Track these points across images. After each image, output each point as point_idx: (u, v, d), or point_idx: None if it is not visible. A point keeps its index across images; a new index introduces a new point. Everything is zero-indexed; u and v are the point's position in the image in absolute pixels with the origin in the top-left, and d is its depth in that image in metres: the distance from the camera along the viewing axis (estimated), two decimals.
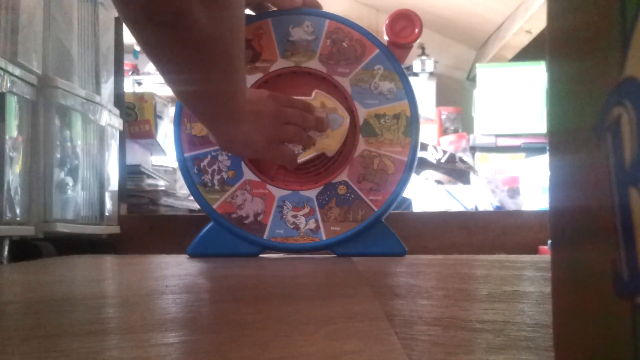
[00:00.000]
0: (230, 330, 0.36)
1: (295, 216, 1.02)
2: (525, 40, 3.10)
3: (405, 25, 1.02)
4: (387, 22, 1.02)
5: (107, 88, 1.36)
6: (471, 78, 3.84)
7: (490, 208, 1.72)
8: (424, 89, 3.63)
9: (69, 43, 1.18)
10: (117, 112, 1.38)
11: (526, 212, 1.64)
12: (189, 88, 0.82)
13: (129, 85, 3.34)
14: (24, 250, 1.04)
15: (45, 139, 1.08)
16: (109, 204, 1.33)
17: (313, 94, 1.01)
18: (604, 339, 0.19)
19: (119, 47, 1.47)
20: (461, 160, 2.12)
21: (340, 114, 1.01)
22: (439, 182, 2.01)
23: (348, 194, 1.02)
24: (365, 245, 1.03)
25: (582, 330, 0.21)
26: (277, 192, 1.02)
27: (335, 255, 1.04)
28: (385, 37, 1.03)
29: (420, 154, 1.05)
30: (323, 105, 1.01)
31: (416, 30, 1.02)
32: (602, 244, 0.19)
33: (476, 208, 1.76)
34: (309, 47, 1.03)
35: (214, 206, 1.02)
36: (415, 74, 3.72)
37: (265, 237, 1.02)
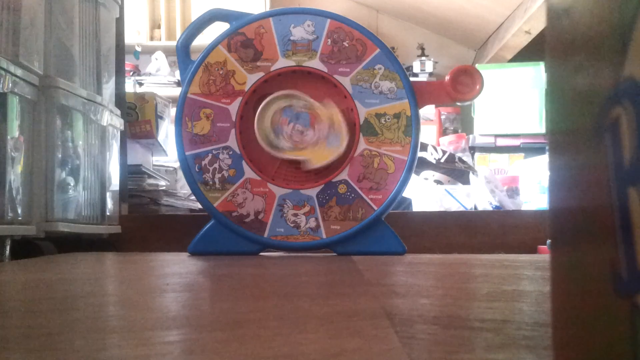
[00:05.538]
0: (231, 329, 0.36)
1: (295, 215, 1.02)
2: (524, 40, 3.10)
3: (467, 82, 1.03)
4: (449, 75, 1.03)
5: (108, 88, 1.36)
6: None
7: (489, 208, 1.72)
8: None
9: (70, 44, 1.18)
10: (118, 112, 1.39)
11: (525, 212, 1.64)
12: None
13: (130, 86, 3.34)
14: (26, 249, 1.04)
15: (47, 139, 1.08)
16: (110, 204, 1.33)
17: (327, 101, 1.01)
18: (603, 338, 0.19)
19: (120, 47, 1.47)
20: (460, 160, 2.12)
21: (342, 136, 1.01)
22: (438, 182, 2.01)
23: (348, 193, 1.02)
24: (365, 244, 1.03)
25: (581, 330, 0.21)
26: (278, 191, 1.03)
27: (335, 254, 1.05)
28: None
29: (419, 154, 1.06)
30: (331, 120, 1.00)
31: (477, 87, 1.02)
32: (602, 244, 0.19)
33: (475, 208, 1.76)
34: (310, 47, 1.04)
35: (215, 204, 1.03)
36: (415, 75, 3.72)
37: (265, 235, 1.02)
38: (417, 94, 1.03)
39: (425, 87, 1.06)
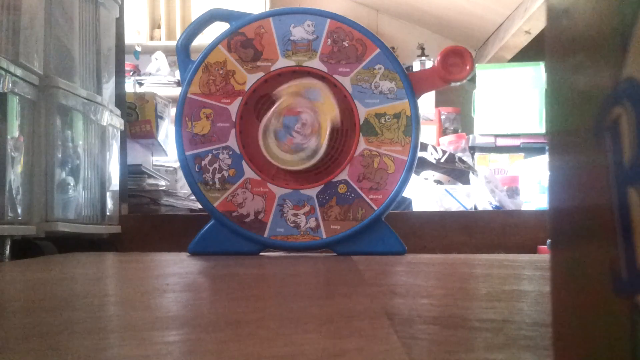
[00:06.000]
0: (231, 329, 0.36)
1: (295, 215, 1.02)
2: (524, 40, 3.10)
3: (457, 62, 1.03)
4: (439, 56, 1.03)
5: (108, 88, 1.36)
6: (470, 78, 3.84)
7: (489, 208, 1.72)
8: None
9: (70, 43, 1.18)
10: (118, 112, 1.39)
11: (525, 212, 1.64)
12: None
13: (130, 86, 3.34)
14: (26, 249, 1.04)
15: (47, 139, 1.08)
16: (110, 204, 1.33)
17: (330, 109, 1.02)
18: (603, 338, 0.19)
19: (120, 47, 1.47)
20: (460, 160, 2.11)
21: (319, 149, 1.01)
22: (438, 182, 2.01)
23: (348, 193, 1.02)
24: (365, 244, 1.03)
25: (581, 329, 0.21)
26: (278, 191, 1.03)
27: (335, 254, 1.05)
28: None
29: (419, 154, 1.06)
30: (319, 130, 1.01)
31: (467, 67, 1.02)
32: (601, 244, 0.19)
33: (475, 208, 1.76)
34: (310, 47, 1.04)
35: (215, 204, 1.03)
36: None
37: (265, 235, 1.02)
38: (414, 85, 1.03)
39: (419, 76, 1.06)
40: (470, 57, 1.02)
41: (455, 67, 1.02)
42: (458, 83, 1.04)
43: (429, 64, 3.75)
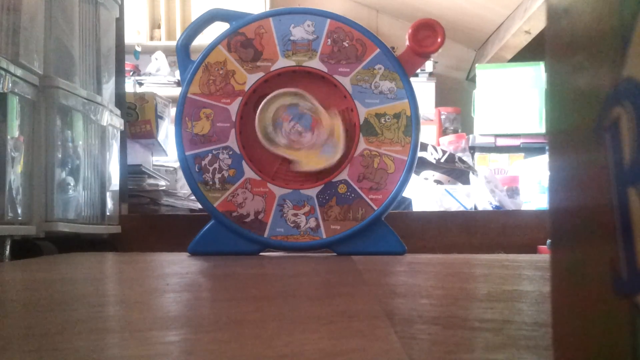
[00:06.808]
0: (231, 329, 0.36)
1: (295, 215, 1.02)
2: (524, 40, 3.10)
3: (429, 34, 1.03)
4: (410, 30, 1.03)
5: (108, 88, 1.36)
6: (471, 78, 3.84)
7: (489, 208, 1.72)
8: (423, 89, 3.63)
9: (70, 43, 1.18)
10: (118, 112, 1.38)
11: (525, 212, 1.64)
12: None
13: (130, 86, 3.34)
14: (26, 249, 1.04)
15: (47, 139, 1.08)
16: (110, 204, 1.33)
17: (333, 110, 1.02)
18: (603, 338, 0.19)
19: (120, 47, 1.47)
20: (460, 160, 2.11)
21: (338, 148, 1.01)
22: (438, 182, 2.01)
23: (348, 193, 1.02)
24: (365, 244, 1.03)
25: (581, 330, 0.21)
26: (278, 191, 1.03)
27: (335, 254, 1.05)
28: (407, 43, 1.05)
29: (419, 154, 1.06)
30: (332, 129, 1.01)
31: (439, 40, 1.03)
32: (601, 244, 0.19)
33: (475, 208, 1.76)
34: (310, 47, 1.04)
35: (215, 204, 1.03)
36: (415, 74, 3.71)
37: (265, 235, 1.02)
38: (404, 67, 1.04)
39: (404, 57, 1.06)
40: (440, 28, 1.03)
41: (427, 40, 1.03)
42: (434, 55, 1.06)
43: (428, 64, 3.75)
